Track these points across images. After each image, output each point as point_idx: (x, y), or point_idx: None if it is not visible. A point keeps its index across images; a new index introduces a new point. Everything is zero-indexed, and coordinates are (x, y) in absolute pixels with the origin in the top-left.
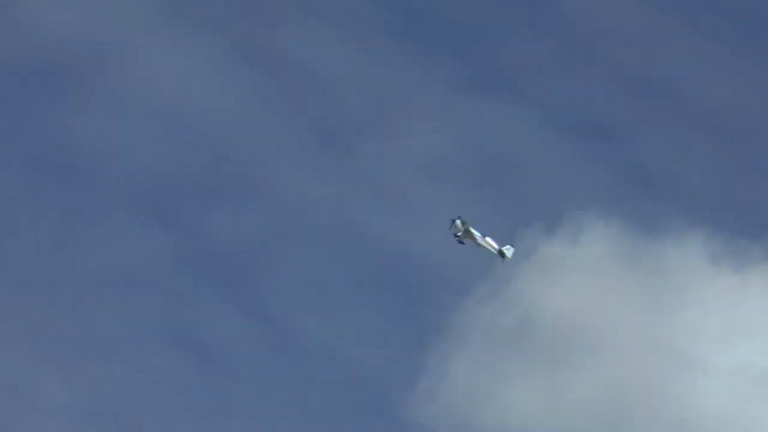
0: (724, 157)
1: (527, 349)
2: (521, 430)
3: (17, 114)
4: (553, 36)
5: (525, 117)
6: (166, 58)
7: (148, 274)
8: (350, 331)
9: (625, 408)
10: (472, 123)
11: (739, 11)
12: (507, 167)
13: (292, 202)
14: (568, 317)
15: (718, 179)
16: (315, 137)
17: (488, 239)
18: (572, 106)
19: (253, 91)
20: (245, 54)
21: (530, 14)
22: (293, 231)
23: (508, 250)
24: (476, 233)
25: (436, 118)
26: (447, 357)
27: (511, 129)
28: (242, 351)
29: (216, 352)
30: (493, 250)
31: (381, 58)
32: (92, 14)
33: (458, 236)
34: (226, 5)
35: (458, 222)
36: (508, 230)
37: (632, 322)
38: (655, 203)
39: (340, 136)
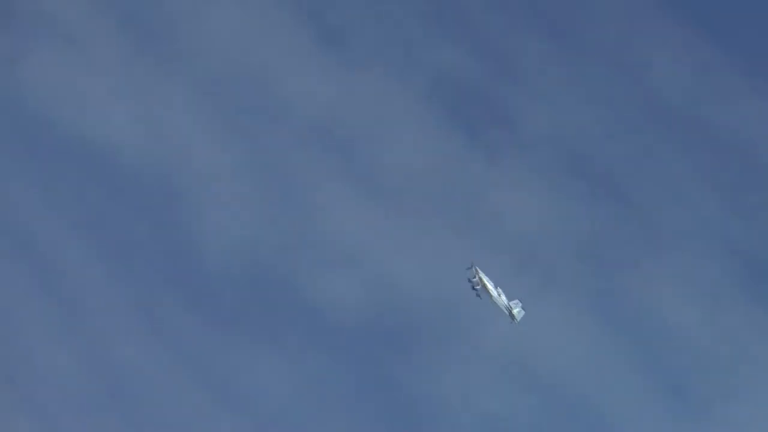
0: None
1: None
2: None
3: (372, 370)
4: None
5: None
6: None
7: None
8: None
9: None
10: None
11: None
12: None
13: None
14: None
15: None
16: (668, 391)
17: (501, 293)
18: None
19: (601, 344)
20: (594, 304)
21: None
22: None
23: (517, 310)
24: (491, 287)
25: None
26: None
27: None
28: None
29: None
30: (504, 309)
31: (732, 312)
32: (445, 273)
33: (476, 288)
34: (576, 257)
35: (474, 270)
36: None
37: None
38: None
39: (693, 390)
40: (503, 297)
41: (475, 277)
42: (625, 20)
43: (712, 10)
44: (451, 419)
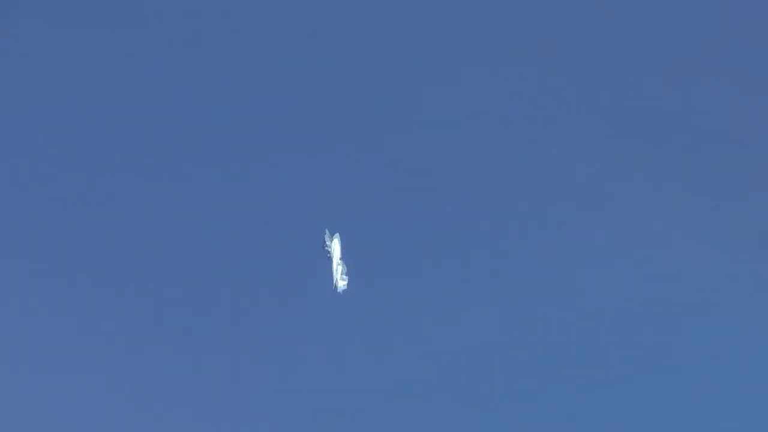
0: None
1: None
2: None
3: None
4: None
5: None
6: None
7: None
8: None
9: None
10: None
11: None
12: None
13: None
14: None
15: None
16: None
17: (340, 266)
18: None
19: None
20: None
21: None
22: None
23: (344, 283)
24: (336, 257)
25: None
26: None
27: None
28: None
29: None
30: (335, 277)
31: None
32: None
33: (328, 248)
34: None
35: (336, 240)
36: None
37: None
38: None
39: None
40: (340, 269)
41: (328, 244)
42: None
43: None
44: None
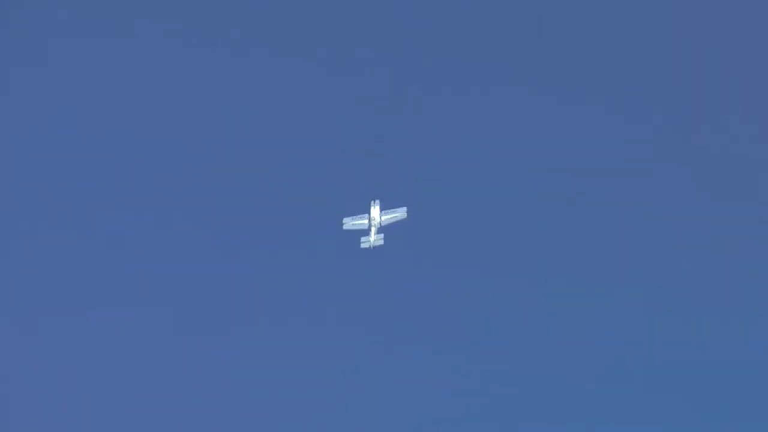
0: None
1: None
2: None
3: None
4: None
5: None
6: None
7: None
8: None
9: None
10: None
11: None
12: None
13: None
14: None
15: None
16: None
17: (383, 216)
18: None
19: None
20: None
21: None
22: None
23: (377, 240)
24: (378, 217)
25: None
26: None
27: None
28: None
29: None
30: (374, 227)
31: None
32: None
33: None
34: None
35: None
36: None
37: None
38: None
39: None
40: (379, 219)
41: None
42: None
43: None
44: None
